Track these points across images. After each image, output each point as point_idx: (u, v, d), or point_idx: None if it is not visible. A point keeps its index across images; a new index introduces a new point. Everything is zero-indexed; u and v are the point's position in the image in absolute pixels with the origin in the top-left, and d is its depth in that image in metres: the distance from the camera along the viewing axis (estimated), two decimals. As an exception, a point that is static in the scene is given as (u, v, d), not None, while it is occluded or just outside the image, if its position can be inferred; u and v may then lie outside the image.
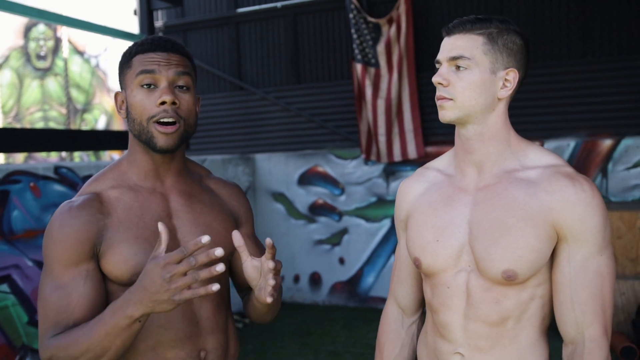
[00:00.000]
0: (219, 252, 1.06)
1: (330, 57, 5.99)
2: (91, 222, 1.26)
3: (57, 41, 8.54)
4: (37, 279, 3.56)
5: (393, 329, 1.53)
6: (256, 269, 1.25)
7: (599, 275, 1.23)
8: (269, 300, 1.22)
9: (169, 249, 1.25)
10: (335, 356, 4.40)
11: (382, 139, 5.52)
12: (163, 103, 1.28)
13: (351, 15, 5.53)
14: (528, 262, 1.23)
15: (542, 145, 5.11)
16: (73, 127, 8.33)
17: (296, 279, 6.01)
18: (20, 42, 8.73)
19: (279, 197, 6.08)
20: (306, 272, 5.99)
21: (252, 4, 6.24)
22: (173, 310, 1.13)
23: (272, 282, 1.20)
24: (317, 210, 5.93)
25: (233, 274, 1.50)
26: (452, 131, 1.45)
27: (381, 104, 5.50)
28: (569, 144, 5.06)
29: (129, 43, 6.49)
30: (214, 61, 6.45)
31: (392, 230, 5.61)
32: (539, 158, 1.30)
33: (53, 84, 8.57)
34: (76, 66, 8.40)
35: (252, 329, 5.10)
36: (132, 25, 5.96)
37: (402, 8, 5.36)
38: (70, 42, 8.41)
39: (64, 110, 8.45)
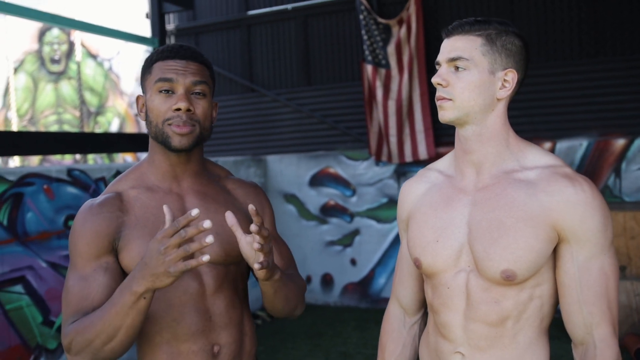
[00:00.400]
0: (207, 224, 1.09)
1: (341, 59, 6.00)
2: (110, 219, 1.35)
3: (71, 45, 8.63)
4: (51, 280, 3.61)
5: (395, 328, 1.54)
6: (250, 245, 1.25)
7: (603, 275, 1.23)
8: (257, 267, 1.20)
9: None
10: (346, 357, 4.40)
11: (393, 139, 5.52)
12: (178, 109, 1.34)
13: (361, 17, 5.54)
14: (527, 263, 1.23)
15: (555, 145, 5.08)
16: (86, 129, 8.41)
17: (308, 280, 6.03)
18: (35, 46, 8.84)
19: (291, 198, 6.10)
20: (318, 274, 6.00)
21: (263, 6, 6.27)
22: (172, 283, 1.17)
23: (257, 245, 1.18)
24: (329, 211, 5.94)
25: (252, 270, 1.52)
26: (461, 132, 1.45)
27: (392, 105, 5.50)
28: (582, 144, 5.03)
29: (142, 46, 6.55)
30: (226, 64, 6.49)
31: (403, 231, 5.59)
32: (538, 158, 1.30)
33: (67, 88, 8.66)
34: (89, 69, 8.49)
35: (264, 330, 5.12)
36: (144, 29, 6.01)
37: (412, 9, 5.36)
38: (83, 45, 8.50)
39: (77, 113, 8.54)
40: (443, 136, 5.48)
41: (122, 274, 1.36)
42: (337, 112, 5.98)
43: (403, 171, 5.62)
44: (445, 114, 1.29)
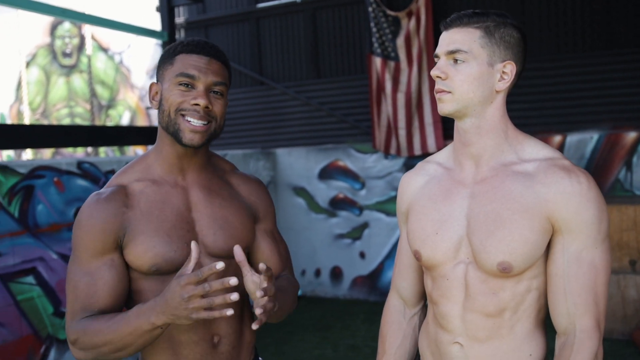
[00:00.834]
0: (233, 281, 1.14)
1: (350, 51, 5.99)
2: (116, 215, 1.35)
3: (82, 38, 8.68)
4: (62, 272, 3.66)
5: (395, 320, 1.55)
6: (255, 285, 1.28)
7: (593, 268, 1.23)
8: (254, 327, 1.25)
9: (187, 241, 1.36)
10: (354, 350, 4.42)
11: (402, 132, 5.51)
12: (197, 105, 1.35)
13: (370, 9, 5.52)
14: (522, 255, 1.24)
15: (565, 138, 5.04)
16: (98, 123, 8.47)
17: (317, 273, 6.05)
18: (47, 40, 8.90)
19: (300, 191, 6.11)
20: (327, 266, 6.02)
21: (272, -1, 6.27)
22: (191, 324, 1.25)
23: (258, 310, 1.22)
24: (338, 204, 5.95)
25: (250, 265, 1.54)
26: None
27: (401, 98, 5.49)
28: (592, 137, 4.99)
29: (152, 40, 6.57)
30: (235, 56, 6.51)
31: (412, 224, 5.59)
32: (536, 151, 1.30)
33: (78, 81, 8.72)
34: (100, 63, 8.54)
35: (272, 322, 5.14)
36: (154, 22, 6.03)
37: (421, 1, 5.33)
38: (94, 39, 8.54)
39: (89, 107, 8.60)
40: (452, 129, 5.42)
41: (127, 268, 1.37)
42: (346, 105, 5.98)
43: (412, 164, 5.61)
44: (445, 107, 1.29)
